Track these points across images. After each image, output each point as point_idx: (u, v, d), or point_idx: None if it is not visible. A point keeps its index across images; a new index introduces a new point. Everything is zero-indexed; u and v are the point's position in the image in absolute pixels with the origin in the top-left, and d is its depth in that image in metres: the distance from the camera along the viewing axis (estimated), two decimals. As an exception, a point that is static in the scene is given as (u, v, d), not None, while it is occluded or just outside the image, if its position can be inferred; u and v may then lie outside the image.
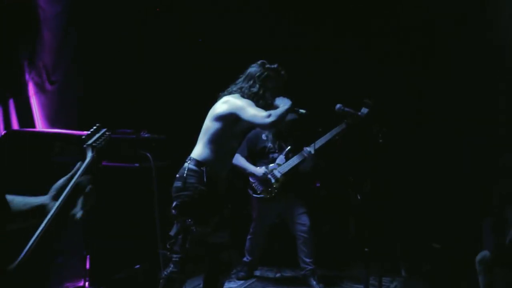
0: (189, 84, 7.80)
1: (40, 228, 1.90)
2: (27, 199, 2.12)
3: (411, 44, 7.98)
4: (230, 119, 4.54)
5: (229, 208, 4.88)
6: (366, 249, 4.69)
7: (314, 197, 7.47)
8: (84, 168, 2.10)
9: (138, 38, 7.47)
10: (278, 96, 4.75)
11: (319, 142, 6.45)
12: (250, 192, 6.76)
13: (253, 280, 7.05)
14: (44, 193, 2.15)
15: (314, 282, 6.62)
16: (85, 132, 6.01)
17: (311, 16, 8.37)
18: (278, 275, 7.20)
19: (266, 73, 4.70)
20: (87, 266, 6.25)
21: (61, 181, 2.14)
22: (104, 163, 6.22)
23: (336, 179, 7.84)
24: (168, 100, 7.81)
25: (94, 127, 2.40)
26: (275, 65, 4.76)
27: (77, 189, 2.07)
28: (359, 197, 6.94)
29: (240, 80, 4.77)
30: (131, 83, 7.29)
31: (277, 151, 6.76)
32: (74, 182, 2.07)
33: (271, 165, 6.65)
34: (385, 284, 6.46)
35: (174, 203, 4.57)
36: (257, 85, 4.66)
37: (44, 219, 1.94)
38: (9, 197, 2.07)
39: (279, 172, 6.58)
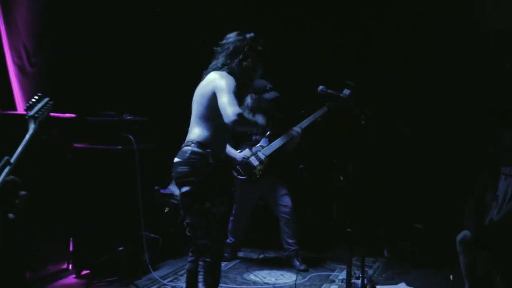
0: (172, 65, 7.75)
1: None
2: None
3: (395, 27, 7.97)
4: (215, 99, 4.37)
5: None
6: (348, 230, 4.67)
7: (297, 179, 7.52)
8: (27, 141, 2.06)
9: (119, 19, 7.42)
10: (260, 67, 4.64)
11: (303, 124, 6.49)
12: (235, 173, 6.73)
13: (237, 261, 7.05)
14: None
15: (298, 263, 6.65)
16: (71, 115, 5.98)
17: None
18: (261, 256, 7.23)
19: (250, 44, 4.53)
20: (71, 249, 6.33)
21: None
22: (87, 145, 6.23)
23: (319, 162, 7.85)
24: (150, 82, 7.81)
25: (36, 97, 2.29)
26: (253, 34, 4.59)
27: (5, 189, 1.98)
28: (342, 180, 6.96)
29: (222, 54, 4.56)
30: (113, 65, 7.30)
31: (259, 133, 6.73)
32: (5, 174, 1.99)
33: (254, 147, 6.65)
34: (367, 264, 6.50)
35: (184, 189, 4.39)
36: (242, 54, 4.50)
37: None
38: None
39: (263, 154, 6.59)
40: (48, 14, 6.70)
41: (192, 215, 4.38)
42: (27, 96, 6.45)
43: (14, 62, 6.35)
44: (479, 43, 7.24)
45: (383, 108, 7.49)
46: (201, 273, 4.36)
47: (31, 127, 2.12)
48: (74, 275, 6.18)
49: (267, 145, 6.64)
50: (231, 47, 4.51)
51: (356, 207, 5.19)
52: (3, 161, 2.01)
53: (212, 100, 4.36)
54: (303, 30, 8.26)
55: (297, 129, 6.44)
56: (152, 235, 6.33)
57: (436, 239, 6.84)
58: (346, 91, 5.52)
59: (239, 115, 4.15)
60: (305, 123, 6.50)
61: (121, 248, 5.98)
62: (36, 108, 2.19)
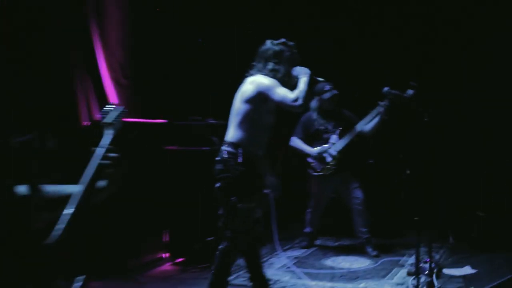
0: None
1: (71, 212, 1.88)
2: (64, 187, 2.09)
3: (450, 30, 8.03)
4: (259, 99, 4.51)
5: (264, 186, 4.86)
6: (416, 218, 4.77)
7: (367, 173, 7.55)
8: (103, 149, 2.04)
9: (193, 33, 7.63)
10: (294, 66, 4.67)
11: (366, 120, 6.63)
12: (310, 171, 6.90)
13: (315, 249, 7.19)
14: None
15: (370, 249, 6.80)
16: (159, 121, 6.23)
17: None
18: (337, 243, 7.39)
19: (276, 48, 4.63)
20: (167, 239, 6.60)
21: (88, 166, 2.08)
22: (177, 147, 6.50)
23: (387, 156, 7.86)
24: (233, 85, 7.90)
25: (111, 105, 2.28)
26: (282, 39, 4.69)
27: (99, 173, 2.01)
28: (408, 172, 7.07)
29: (258, 61, 4.68)
30: (197, 75, 7.51)
31: (329, 131, 6.86)
32: (95, 168, 2.01)
33: (325, 145, 6.80)
34: (434, 249, 6.44)
35: (218, 185, 4.56)
36: (272, 63, 4.59)
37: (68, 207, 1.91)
38: (61, 186, 2.08)
39: (334, 150, 6.73)
40: (136, 32, 7.03)
41: (222, 207, 4.60)
42: (123, 105, 6.77)
43: (110, 75, 6.61)
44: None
45: (446, 102, 7.56)
46: (217, 256, 4.64)
47: (108, 133, 2.14)
48: (170, 263, 6.45)
49: (337, 142, 6.79)
50: (266, 54, 4.64)
51: (422, 196, 5.34)
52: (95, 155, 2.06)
53: (253, 100, 4.51)
54: (365, 33, 8.40)
55: (382, 104, 6.44)
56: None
57: (498, 225, 6.84)
58: (410, 91, 5.67)
59: (297, 99, 4.38)
60: (367, 120, 6.63)
61: (211, 238, 6.19)
62: (111, 115, 2.22)
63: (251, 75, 4.65)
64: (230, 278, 5.69)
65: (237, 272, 5.99)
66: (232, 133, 4.60)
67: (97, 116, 1.85)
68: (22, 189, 1.89)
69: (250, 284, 4.87)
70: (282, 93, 4.45)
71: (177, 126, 6.58)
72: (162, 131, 6.62)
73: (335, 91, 6.79)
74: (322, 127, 6.89)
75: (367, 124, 6.66)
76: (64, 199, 1.99)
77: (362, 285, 5.74)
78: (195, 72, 7.57)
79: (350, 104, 7.06)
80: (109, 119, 2.19)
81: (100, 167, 2.00)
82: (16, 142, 1.76)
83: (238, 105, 4.61)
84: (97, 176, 1.99)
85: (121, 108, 2.30)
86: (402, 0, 8.25)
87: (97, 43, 6.48)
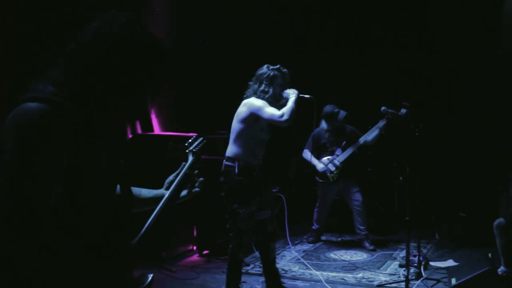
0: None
1: (156, 211, 1.94)
2: (150, 191, 2.12)
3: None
4: (252, 118, 4.48)
5: (271, 191, 4.86)
6: (407, 218, 4.78)
7: (366, 179, 7.56)
8: (186, 168, 2.12)
9: (219, 49, 7.59)
10: (284, 89, 4.60)
11: (368, 135, 6.64)
12: (317, 178, 6.94)
13: (320, 243, 7.21)
14: (160, 185, 2.20)
15: (367, 244, 6.83)
16: (192, 134, 6.29)
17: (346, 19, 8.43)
18: (339, 239, 7.38)
19: (270, 73, 4.57)
20: (195, 234, 6.65)
21: (170, 177, 2.13)
22: (206, 157, 6.54)
23: (383, 165, 7.85)
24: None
25: (194, 136, 2.35)
26: (278, 66, 4.64)
27: (184, 182, 2.09)
28: (401, 179, 7.06)
29: (251, 83, 4.66)
30: (222, 93, 7.42)
31: (335, 144, 6.90)
32: (181, 176, 2.09)
33: (330, 156, 6.85)
34: (422, 245, 6.52)
35: (222, 194, 4.59)
36: (264, 84, 4.54)
37: (158, 205, 1.98)
38: (137, 189, 2.08)
39: (338, 161, 6.78)
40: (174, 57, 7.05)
41: (227, 212, 4.59)
42: (160, 121, 6.85)
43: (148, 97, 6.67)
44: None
45: (433, 117, 7.55)
46: (228, 254, 4.66)
47: (190, 158, 2.20)
48: (197, 254, 6.49)
49: (341, 154, 6.83)
50: (261, 77, 4.59)
51: (412, 199, 5.34)
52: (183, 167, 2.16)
53: (247, 120, 4.49)
54: (361, 56, 8.36)
55: (381, 124, 6.49)
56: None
57: (478, 225, 6.80)
58: (403, 110, 5.67)
59: (283, 115, 4.37)
60: (370, 132, 6.64)
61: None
62: (194, 144, 2.30)
63: (247, 96, 4.64)
64: (248, 268, 5.80)
65: (254, 263, 6.06)
66: (230, 148, 4.61)
67: (185, 144, 1.96)
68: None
69: (265, 275, 4.87)
70: (270, 111, 4.44)
71: (206, 139, 6.53)
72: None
73: (346, 112, 6.79)
74: (329, 141, 6.92)
75: (367, 138, 6.67)
76: (147, 201, 2.08)
77: (360, 274, 5.74)
78: (223, 90, 7.50)
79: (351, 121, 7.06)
80: (193, 147, 2.28)
81: (184, 180, 2.10)
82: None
83: (234, 124, 4.61)
84: (181, 186, 2.09)
85: (201, 138, 2.39)
86: (398, 27, 8.25)
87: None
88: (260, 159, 4.70)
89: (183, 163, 2.17)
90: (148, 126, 6.62)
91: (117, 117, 1.76)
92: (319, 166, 6.82)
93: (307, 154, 7.00)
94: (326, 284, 5.31)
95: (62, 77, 1.64)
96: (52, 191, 1.56)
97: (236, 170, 4.47)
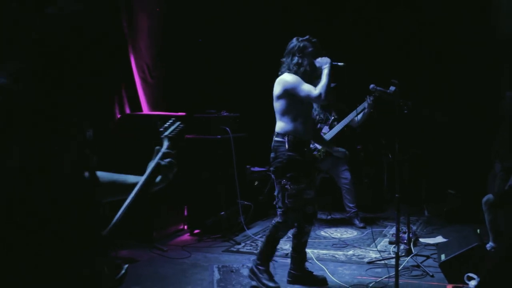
0: (258, 68, 7.63)
1: (128, 200, 1.88)
2: (137, 177, 2.05)
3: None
4: (287, 94, 4.45)
5: (315, 171, 4.80)
6: (396, 195, 4.79)
7: (356, 157, 7.50)
8: (161, 154, 2.06)
9: (209, 31, 7.52)
10: (316, 58, 4.55)
11: (357, 111, 6.51)
12: None
13: None
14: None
15: (357, 221, 6.81)
16: (180, 114, 6.24)
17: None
18: (329, 217, 7.36)
19: (301, 44, 4.52)
20: (185, 213, 6.67)
21: (151, 162, 2.06)
22: (195, 136, 6.49)
23: (372, 143, 7.86)
24: (241, 83, 7.87)
25: (170, 121, 2.29)
26: (307, 36, 4.58)
27: (158, 168, 2.02)
28: (390, 156, 7.05)
29: (284, 59, 4.61)
30: (212, 73, 7.52)
31: (323, 122, 6.81)
32: (156, 163, 2.02)
33: None
34: (412, 221, 6.54)
35: (272, 169, 4.57)
36: (297, 57, 4.50)
37: (131, 193, 1.92)
38: (123, 176, 2.05)
39: (325, 139, 6.59)
40: (162, 40, 7.03)
41: (276, 188, 4.59)
42: (149, 101, 6.78)
43: (139, 76, 6.62)
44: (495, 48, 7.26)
45: (421, 95, 7.58)
46: (270, 228, 4.62)
47: (165, 144, 2.15)
48: (188, 234, 6.49)
49: (328, 132, 6.75)
50: (292, 50, 4.55)
51: (401, 176, 5.33)
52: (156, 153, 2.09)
53: (283, 96, 4.46)
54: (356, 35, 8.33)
55: (368, 100, 6.42)
56: (245, 202, 6.53)
57: (466, 202, 6.88)
58: (392, 88, 5.63)
59: (320, 94, 4.35)
60: (359, 108, 6.50)
61: (222, 213, 6.25)
62: (170, 129, 2.23)
63: (281, 72, 4.59)
64: (239, 246, 5.80)
65: (245, 242, 6.08)
66: (278, 125, 4.56)
67: (159, 129, 1.89)
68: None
69: (292, 253, 4.83)
70: (306, 89, 4.41)
71: (195, 118, 6.55)
72: (183, 122, 6.58)
73: (335, 83, 6.69)
74: (318, 117, 6.80)
75: (355, 116, 6.60)
76: (118, 187, 2.02)
77: (350, 252, 5.76)
78: (211, 71, 7.57)
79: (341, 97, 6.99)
80: (168, 132, 2.22)
81: (158, 166, 2.03)
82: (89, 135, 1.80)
83: (274, 103, 4.58)
84: (156, 172, 2.02)
85: (178, 123, 2.31)
86: (390, 6, 8.22)
87: (129, 48, 6.49)
88: (311, 134, 4.73)
89: (157, 147, 2.12)
90: (136, 106, 6.55)
91: (76, 108, 1.71)
92: None
93: None
94: (317, 262, 5.31)
95: (19, 67, 1.61)
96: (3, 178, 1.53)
97: (286, 146, 4.45)
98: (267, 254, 4.63)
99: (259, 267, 4.60)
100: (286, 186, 4.44)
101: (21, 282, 1.56)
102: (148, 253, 5.65)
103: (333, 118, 6.83)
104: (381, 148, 7.44)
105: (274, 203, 4.61)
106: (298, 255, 4.78)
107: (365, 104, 6.50)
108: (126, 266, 1.84)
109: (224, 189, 6.38)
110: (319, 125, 6.80)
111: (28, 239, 1.56)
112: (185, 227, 6.66)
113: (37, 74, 1.61)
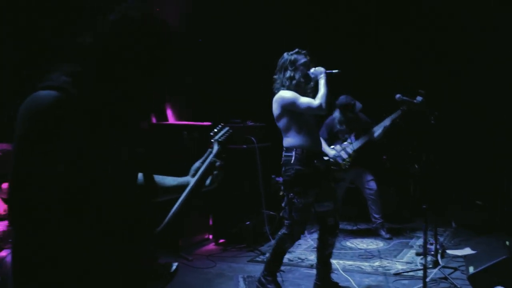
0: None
1: (181, 199, 1.92)
2: (175, 178, 2.12)
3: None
4: (287, 111, 4.48)
5: (332, 182, 4.84)
6: (423, 206, 4.76)
7: (382, 167, 7.42)
8: (212, 156, 2.10)
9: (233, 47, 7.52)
10: (309, 69, 4.54)
11: (384, 123, 6.56)
12: None
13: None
14: (175, 174, 2.19)
15: (383, 232, 6.76)
16: (206, 123, 6.27)
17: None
18: (355, 227, 7.34)
19: (291, 57, 4.51)
20: (211, 223, 6.67)
21: (196, 163, 2.12)
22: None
23: (398, 153, 7.81)
24: (266, 93, 7.83)
25: (220, 126, 2.33)
26: (295, 49, 4.57)
27: (210, 170, 2.07)
28: (417, 167, 6.99)
29: (276, 76, 4.60)
30: (236, 84, 7.50)
31: (348, 132, 6.77)
32: (207, 164, 2.07)
33: (344, 143, 6.73)
34: (439, 233, 6.39)
35: (281, 181, 4.68)
36: (289, 71, 4.49)
37: (184, 193, 1.96)
38: (160, 177, 2.09)
39: (351, 149, 6.64)
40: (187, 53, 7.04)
41: (284, 200, 4.64)
42: (175, 110, 6.86)
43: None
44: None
45: (448, 106, 7.42)
46: (276, 239, 4.66)
47: (215, 148, 2.18)
48: (213, 243, 6.50)
49: (354, 142, 6.71)
50: (284, 65, 4.54)
51: (429, 187, 5.29)
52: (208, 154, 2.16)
53: (284, 115, 4.50)
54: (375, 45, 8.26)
55: (386, 123, 6.47)
56: (271, 212, 6.49)
57: (494, 213, 6.79)
58: (419, 98, 5.60)
59: (320, 104, 4.37)
60: (385, 122, 6.56)
61: (248, 223, 6.26)
62: (220, 134, 2.27)
63: (276, 89, 4.59)
64: (264, 256, 5.78)
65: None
66: (284, 140, 4.61)
67: (210, 134, 1.95)
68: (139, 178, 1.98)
69: (317, 265, 4.84)
70: (306, 102, 4.44)
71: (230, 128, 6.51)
72: (208, 131, 6.60)
73: (360, 105, 6.69)
74: (343, 128, 6.78)
75: (381, 128, 6.58)
76: (171, 189, 2.08)
77: (377, 263, 5.72)
78: (236, 80, 7.55)
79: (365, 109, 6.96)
80: (218, 137, 2.26)
81: (211, 167, 2.09)
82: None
83: (276, 122, 4.63)
84: (207, 174, 2.07)
85: (227, 128, 2.37)
86: (412, 15, 8.11)
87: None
88: (319, 144, 4.73)
89: (209, 149, 2.17)
90: (162, 116, 6.59)
91: (134, 108, 1.77)
92: (331, 152, 6.64)
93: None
94: (343, 273, 5.28)
95: (78, 69, 1.65)
96: (63, 173, 1.56)
97: (293, 160, 4.48)
98: (274, 265, 4.68)
99: (267, 277, 4.65)
100: (293, 200, 4.47)
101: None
102: (174, 261, 5.65)
103: (358, 129, 6.77)
104: (407, 158, 7.37)
105: (281, 214, 4.67)
106: (323, 267, 4.77)
107: (395, 115, 6.49)
108: (176, 264, 1.91)
109: (249, 199, 6.37)
110: (345, 136, 6.77)
111: (90, 232, 1.62)
112: (210, 236, 6.66)
113: (94, 75, 1.66)
